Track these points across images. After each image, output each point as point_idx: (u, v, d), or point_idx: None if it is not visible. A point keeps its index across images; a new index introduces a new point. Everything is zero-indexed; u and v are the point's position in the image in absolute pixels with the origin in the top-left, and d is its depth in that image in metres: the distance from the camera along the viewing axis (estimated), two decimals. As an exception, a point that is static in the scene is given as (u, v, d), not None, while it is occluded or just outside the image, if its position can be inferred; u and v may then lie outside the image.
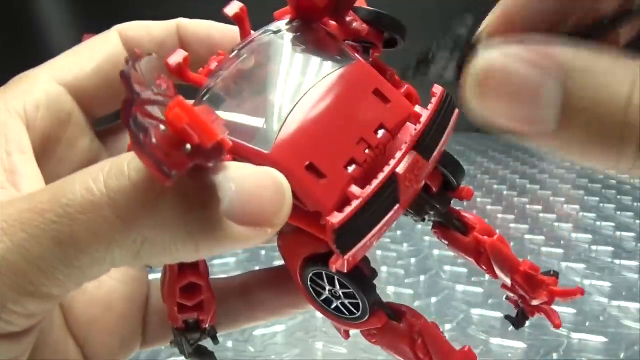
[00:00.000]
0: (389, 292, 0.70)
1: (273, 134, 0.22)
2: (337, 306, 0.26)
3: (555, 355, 0.58)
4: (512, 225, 0.95)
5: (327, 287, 0.26)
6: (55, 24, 1.18)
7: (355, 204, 0.22)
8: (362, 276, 0.25)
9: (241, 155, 0.22)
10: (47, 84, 0.27)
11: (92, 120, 0.30)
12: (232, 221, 0.20)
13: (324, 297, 0.26)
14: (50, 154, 0.28)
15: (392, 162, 0.23)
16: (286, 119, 0.22)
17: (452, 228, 0.30)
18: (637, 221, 0.98)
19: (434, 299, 0.68)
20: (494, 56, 0.17)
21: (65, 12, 1.18)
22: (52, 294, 0.20)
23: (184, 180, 0.19)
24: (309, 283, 0.26)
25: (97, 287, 0.29)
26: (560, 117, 0.16)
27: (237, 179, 0.20)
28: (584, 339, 0.60)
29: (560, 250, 0.84)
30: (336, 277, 0.25)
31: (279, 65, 0.24)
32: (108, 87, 0.29)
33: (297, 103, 0.23)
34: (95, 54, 0.29)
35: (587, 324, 0.63)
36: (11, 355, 0.21)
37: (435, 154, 0.24)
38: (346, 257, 0.21)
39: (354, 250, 0.22)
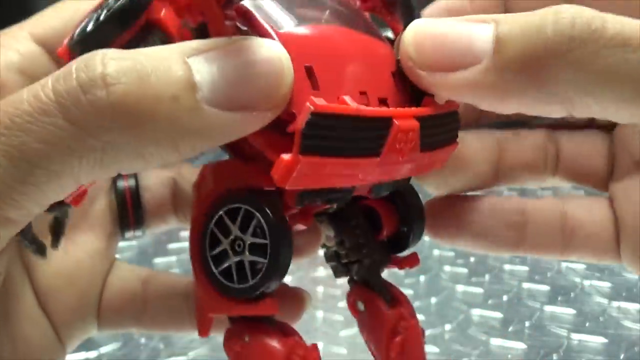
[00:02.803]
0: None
1: (292, 25, 0.20)
2: (227, 267, 0.22)
3: (555, 356, 0.57)
4: (512, 225, 0.95)
5: (233, 234, 0.21)
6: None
7: (342, 106, 0.19)
8: (287, 232, 0.21)
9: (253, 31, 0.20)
10: (24, 43, 0.25)
11: None
12: (214, 107, 0.18)
13: (218, 250, 0.22)
14: None
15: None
16: (310, 25, 0.21)
17: (376, 293, 0.26)
18: (637, 222, 0.97)
19: (433, 299, 0.68)
20: (421, 21, 0.21)
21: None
22: (9, 217, 0.18)
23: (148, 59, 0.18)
24: (212, 226, 0.22)
25: (63, 257, 0.27)
26: (494, 48, 0.20)
27: (220, 56, 0.18)
28: (583, 340, 0.60)
29: (560, 251, 0.83)
30: (257, 216, 0.21)
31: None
32: None
33: (329, 24, 0.21)
34: (82, 7, 0.25)
35: (587, 324, 0.63)
36: None
37: (432, 150, 0.22)
38: (302, 157, 0.18)
39: (311, 156, 0.18)
